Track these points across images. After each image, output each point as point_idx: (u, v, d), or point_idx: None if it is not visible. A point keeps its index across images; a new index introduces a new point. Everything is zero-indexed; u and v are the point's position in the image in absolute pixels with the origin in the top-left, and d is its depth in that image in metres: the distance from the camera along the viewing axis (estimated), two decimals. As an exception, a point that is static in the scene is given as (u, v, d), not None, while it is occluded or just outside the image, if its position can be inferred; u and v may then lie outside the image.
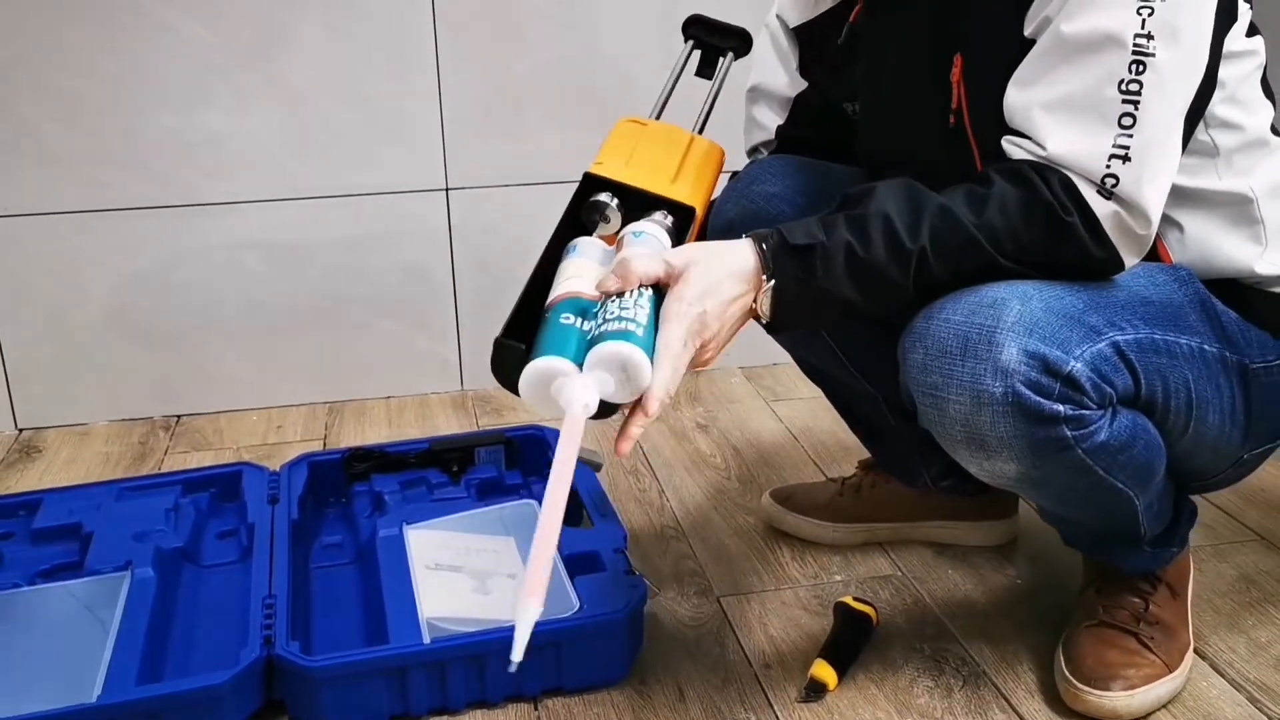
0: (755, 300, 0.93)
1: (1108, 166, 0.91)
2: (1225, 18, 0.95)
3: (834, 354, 1.24)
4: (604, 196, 0.99)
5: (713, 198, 1.07)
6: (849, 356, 1.23)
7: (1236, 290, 1.05)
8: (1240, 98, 1.01)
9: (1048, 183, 0.91)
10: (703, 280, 0.90)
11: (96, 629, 1.15)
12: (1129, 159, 0.90)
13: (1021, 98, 0.94)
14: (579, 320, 0.89)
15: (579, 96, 1.78)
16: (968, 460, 0.99)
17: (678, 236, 0.98)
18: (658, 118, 1.14)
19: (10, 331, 1.74)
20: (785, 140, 1.27)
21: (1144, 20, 0.89)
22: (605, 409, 0.89)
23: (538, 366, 0.86)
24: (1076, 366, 0.92)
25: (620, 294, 0.89)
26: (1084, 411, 0.94)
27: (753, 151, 1.31)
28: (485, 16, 1.74)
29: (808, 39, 1.21)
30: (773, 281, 0.93)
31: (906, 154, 1.10)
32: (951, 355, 0.93)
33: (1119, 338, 0.96)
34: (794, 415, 1.75)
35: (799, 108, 1.26)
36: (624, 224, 0.99)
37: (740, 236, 0.95)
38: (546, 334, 0.89)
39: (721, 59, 1.19)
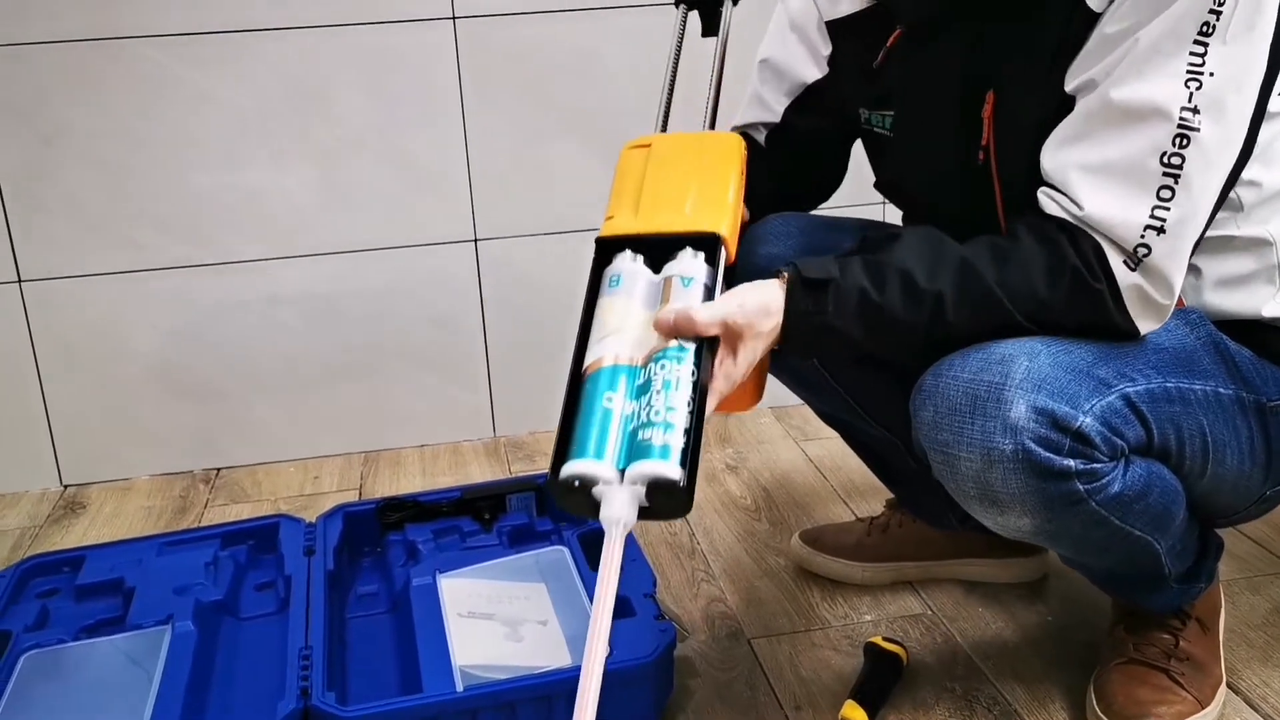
0: None
1: (1142, 236, 0.91)
2: (1269, 86, 0.95)
3: (848, 404, 1.25)
4: (624, 258, 0.93)
5: (740, 200, 1.00)
6: (863, 406, 1.24)
7: (1249, 329, 1.05)
8: (1268, 156, 1.01)
9: (1077, 247, 0.92)
10: (750, 354, 0.91)
11: (139, 682, 1.17)
12: (1164, 231, 0.90)
13: (1061, 156, 0.94)
14: (620, 400, 0.84)
15: (602, 144, 1.82)
16: (982, 515, 1.00)
17: (712, 261, 0.92)
18: (668, 103, 1.10)
19: (56, 390, 1.79)
20: (788, 128, 1.23)
21: (1191, 94, 0.89)
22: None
23: (577, 469, 0.81)
24: (1086, 421, 0.93)
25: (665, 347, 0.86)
26: (1095, 465, 0.94)
27: (749, 127, 1.26)
28: (508, 71, 1.78)
29: (841, 38, 1.18)
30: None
31: (929, 184, 1.11)
32: (961, 413, 0.94)
33: (1129, 389, 0.96)
34: (823, 455, 1.76)
35: (812, 95, 1.22)
36: (655, 267, 0.93)
37: None
38: (584, 422, 0.83)
39: (721, 9, 1.15)
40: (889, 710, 1.16)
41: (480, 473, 1.81)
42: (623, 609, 1.23)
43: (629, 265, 0.92)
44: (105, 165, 1.71)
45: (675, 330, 0.86)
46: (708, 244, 0.92)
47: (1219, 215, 1.00)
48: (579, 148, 1.83)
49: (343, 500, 1.71)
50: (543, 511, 1.50)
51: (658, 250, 0.93)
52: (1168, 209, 0.90)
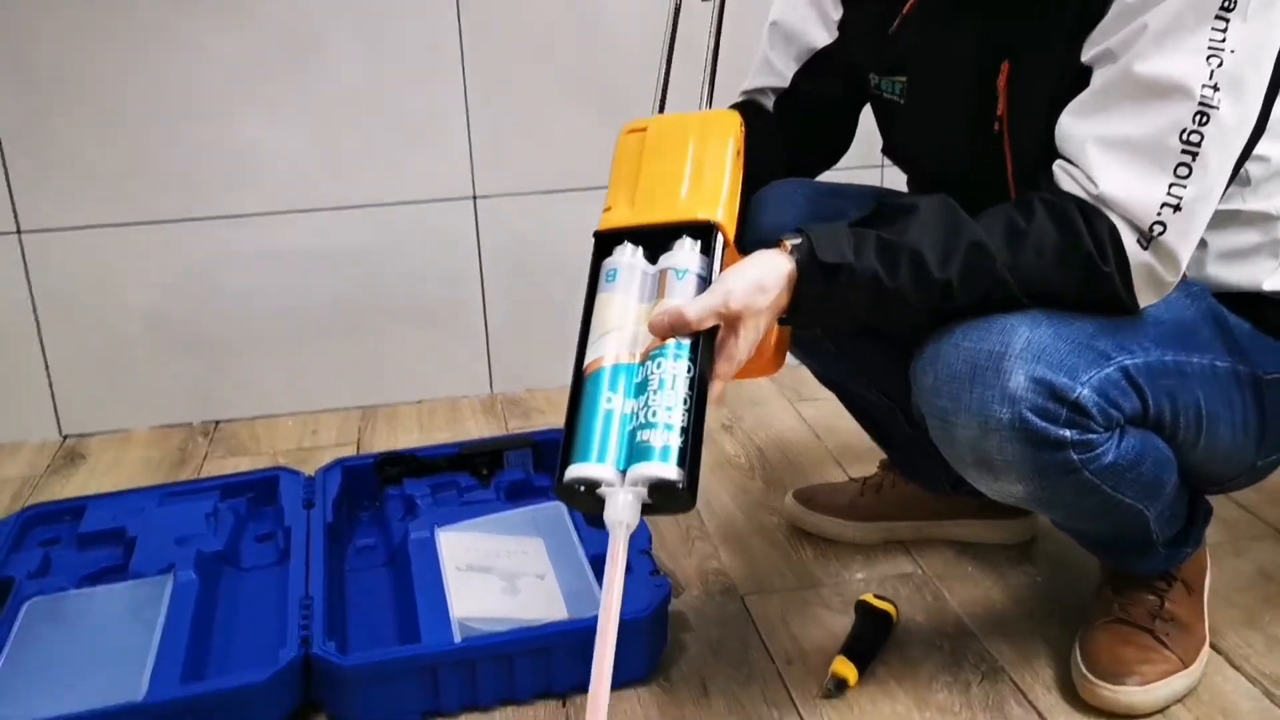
0: None
1: (1158, 214, 0.91)
2: None
3: (849, 370, 1.26)
4: (622, 251, 0.93)
5: (739, 181, 0.98)
6: (863, 372, 1.26)
7: (1249, 301, 1.06)
8: (1277, 131, 1.01)
9: (1093, 230, 0.92)
10: (752, 333, 0.90)
11: (141, 630, 1.19)
12: (1180, 209, 0.91)
13: (1079, 128, 0.94)
14: (620, 400, 0.85)
15: (602, 101, 1.81)
16: (977, 481, 1.01)
17: (708, 249, 0.92)
18: (665, 80, 1.08)
19: (54, 341, 1.79)
20: (797, 93, 1.22)
21: (1212, 71, 0.89)
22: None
23: (580, 473, 0.82)
24: (1083, 393, 0.94)
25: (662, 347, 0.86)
26: (1090, 436, 0.96)
27: (758, 92, 1.25)
28: (509, 27, 1.77)
29: (853, 2, 1.17)
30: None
31: (940, 152, 1.11)
32: (960, 380, 0.96)
33: (1128, 362, 0.97)
34: (818, 415, 1.78)
35: (821, 60, 1.21)
36: (655, 256, 0.93)
37: None
38: (585, 425, 0.84)
39: None
40: (878, 666, 1.18)
41: (477, 429, 1.82)
42: (618, 564, 1.25)
43: (626, 259, 0.92)
44: (104, 117, 1.71)
45: (670, 331, 0.86)
46: (702, 232, 0.92)
47: (1230, 188, 1.01)
48: (579, 105, 1.82)
49: (341, 454, 1.72)
50: (540, 467, 1.52)
51: (656, 240, 0.93)
52: (1184, 187, 0.90)
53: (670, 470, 0.81)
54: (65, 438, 1.84)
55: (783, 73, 1.22)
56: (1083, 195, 0.93)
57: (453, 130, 1.80)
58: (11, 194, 1.71)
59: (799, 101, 1.23)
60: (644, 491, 0.81)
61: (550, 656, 1.14)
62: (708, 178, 0.94)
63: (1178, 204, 0.91)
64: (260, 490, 1.47)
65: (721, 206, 0.93)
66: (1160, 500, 1.07)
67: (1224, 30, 0.89)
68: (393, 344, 1.89)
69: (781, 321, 0.96)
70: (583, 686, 1.14)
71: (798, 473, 1.62)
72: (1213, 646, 1.18)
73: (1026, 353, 0.94)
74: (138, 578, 1.28)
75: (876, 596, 1.25)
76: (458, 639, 1.14)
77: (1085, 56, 0.95)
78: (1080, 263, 0.93)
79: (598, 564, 1.25)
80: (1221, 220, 1.03)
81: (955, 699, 1.13)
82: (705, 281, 0.90)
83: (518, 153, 1.83)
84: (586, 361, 0.88)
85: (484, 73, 1.79)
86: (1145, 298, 0.96)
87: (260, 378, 1.87)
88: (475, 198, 1.84)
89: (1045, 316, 0.96)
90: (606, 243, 0.93)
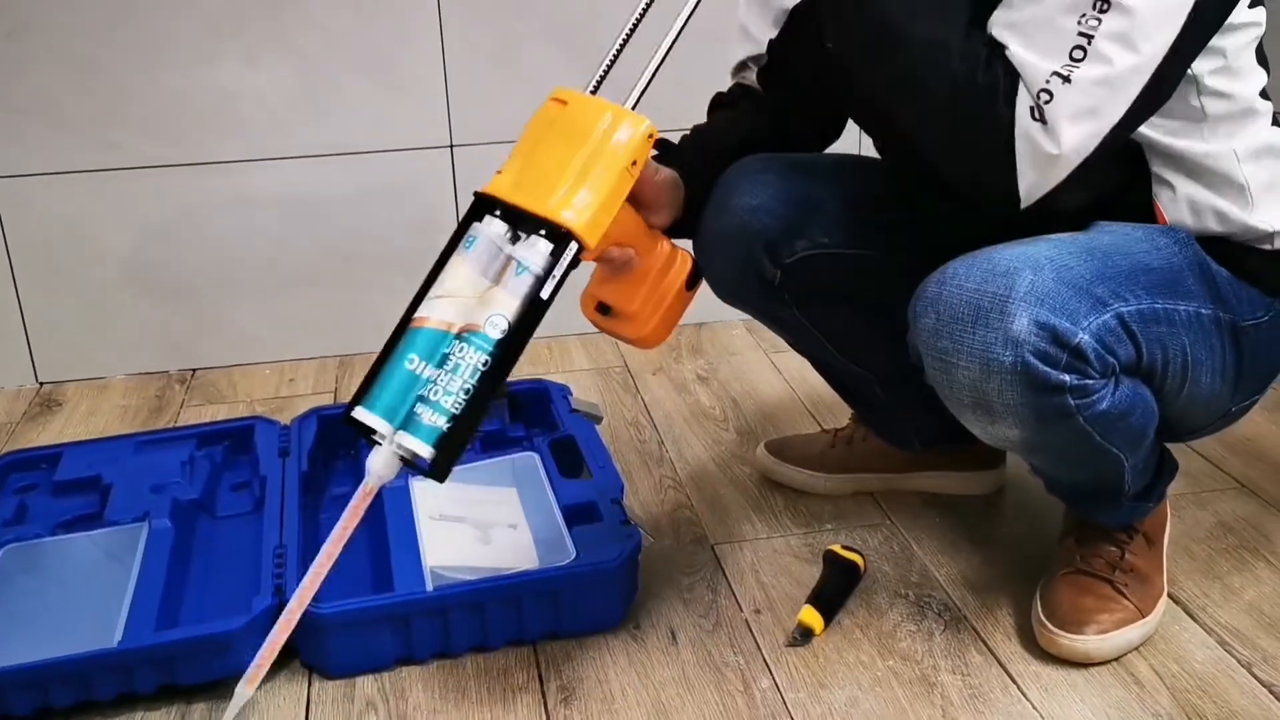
0: None
1: (1046, 82, 0.91)
2: None
3: (823, 345, 1.27)
4: (490, 222, 0.94)
5: (623, 193, 0.96)
6: (836, 345, 1.27)
7: (1227, 248, 1.07)
8: (1235, 67, 1.02)
9: (1006, 72, 0.92)
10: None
11: (117, 577, 1.20)
12: (1070, 81, 0.91)
13: (995, 16, 0.95)
14: (424, 366, 0.92)
15: (581, 50, 1.80)
16: (972, 423, 1.03)
17: (557, 254, 0.93)
18: (612, 61, 1.03)
19: (30, 289, 1.79)
20: (775, 57, 1.22)
21: None
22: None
23: (362, 417, 0.92)
24: (1084, 338, 0.95)
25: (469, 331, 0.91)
26: (1088, 381, 0.97)
27: (740, 68, 1.26)
28: (486, -27, 1.76)
29: None
30: None
31: None
32: (963, 322, 0.96)
33: (1123, 309, 0.98)
34: (792, 367, 1.79)
35: (796, 20, 1.20)
36: (516, 237, 0.94)
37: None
38: (385, 376, 0.93)
39: None
40: (844, 615, 1.21)
41: (455, 378, 1.82)
42: (590, 514, 1.27)
43: (489, 230, 0.94)
44: (77, 62, 1.69)
45: None
46: (557, 235, 0.92)
47: (1183, 125, 1.02)
48: (556, 53, 1.81)
49: (318, 403, 1.73)
50: (515, 418, 1.53)
51: (523, 223, 0.94)
52: (1076, 66, 0.91)
53: (425, 450, 0.91)
54: (41, 385, 1.84)
55: (758, 39, 1.22)
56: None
57: (430, 78, 1.79)
58: (-17, 140, 1.70)
59: (784, 73, 1.22)
60: (400, 455, 0.92)
61: (521, 605, 1.15)
62: (589, 183, 0.93)
63: (1068, 76, 0.91)
64: (236, 439, 1.48)
65: (588, 216, 0.93)
66: (1140, 450, 1.09)
67: None
68: (370, 293, 1.88)
69: (690, 283, 1.05)
70: (554, 633, 1.17)
71: (771, 424, 1.64)
72: (1171, 597, 1.21)
73: (1030, 296, 0.95)
74: (113, 525, 1.29)
75: (844, 547, 1.27)
76: (430, 587, 1.15)
77: None
78: (982, 76, 0.92)
79: (570, 514, 1.27)
80: (1182, 163, 1.04)
81: (918, 647, 1.16)
82: (540, 283, 0.92)
83: (495, 101, 1.82)
84: (416, 313, 0.94)
85: (461, 21, 1.77)
86: (1025, 173, 0.93)
87: (238, 326, 1.87)
88: (452, 146, 1.83)
89: (1047, 260, 0.96)
90: (482, 205, 0.95)
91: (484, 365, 0.91)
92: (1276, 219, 1.06)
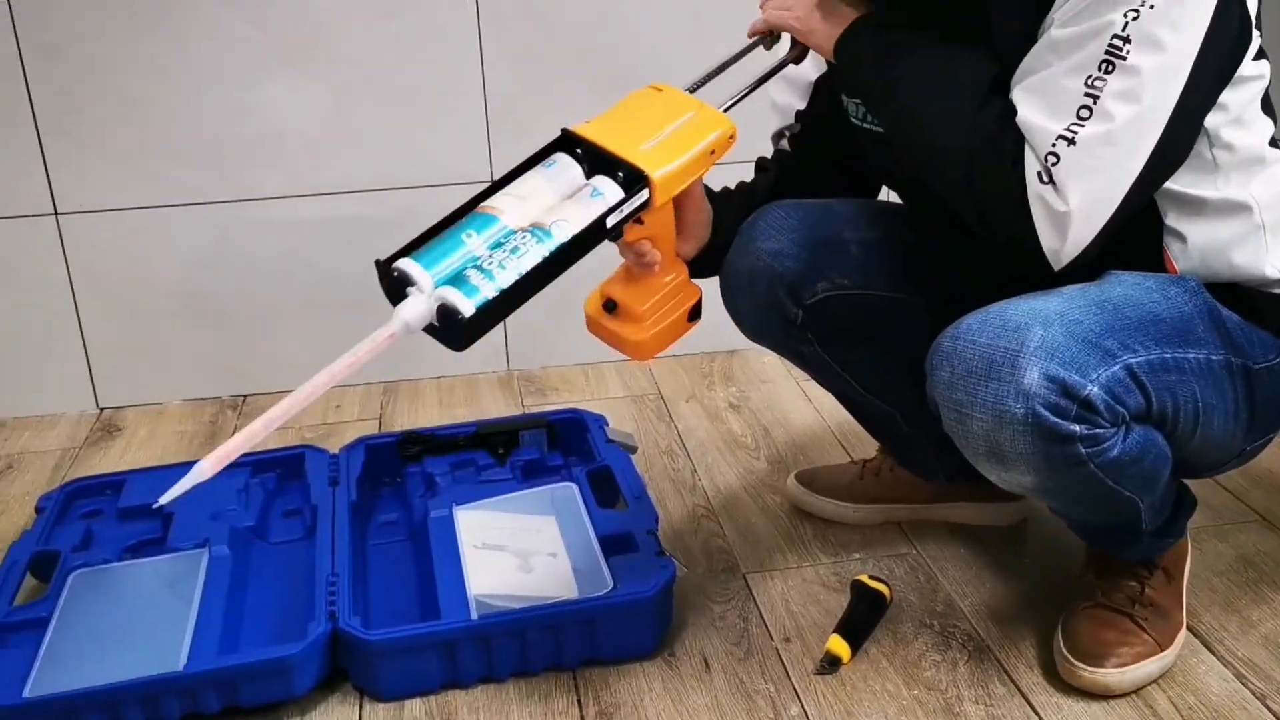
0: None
1: (1053, 145, 0.96)
2: (1235, 47, 0.99)
3: (846, 381, 1.32)
4: (570, 157, 1.03)
5: (704, 169, 1.06)
6: (859, 382, 1.32)
7: (1239, 292, 1.11)
8: (1244, 119, 1.06)
9: (1014, 138, 0.98)
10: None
11: (179, 602, 1.27)
12: (1074, 143, 0.95)
13: (1015, 78, 1.01)
14: (479, 244, 0.96)
15: (617, 85, 1.85)
16: (987, 470, 1.07)
17: (629, 191, 1.00)
18: (706, 79, 1.14)
19: (91, 317, 1.87)
20: (807, 124, 1.30)
21: (1126, 24, 0.94)
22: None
23: (406, 267, 0.95)
24: (1093, 390, 0.99)
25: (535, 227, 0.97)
26: (1098, 431, 1.01)
27: (778, 137, 1.34)
28: (526, 11, 1.82)
29: None
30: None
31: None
32: (976, 375, 1.01)
33: (1132, 360, 1.02)
34: (823, 396, 1.80)
35: (820, 90, 1.29)
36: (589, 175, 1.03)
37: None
38: (440, 241, 0.97)
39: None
40: (871, 644, 1.25)
41: (494, 404, 1.89)
42: (626, 545, 1.32)
43: (567, 159, 1.03)
44: (132, 101, 1.77)
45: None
46: (634, 178, 1.00)
47: (1196, 176, 1.05)
48: (596, 90, 1.86)
49: (363, 429, 1.80)
50: (553, 447, 1.59)
51: (601, 164, 1.02)
52: (1082, 126, 0.95)
53: (467, 306, 0.92)
54: (102, 410, 1.92)
55: (786, 109, 1.30)
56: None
57: (470, 115, 1.85)
58: (49, 177, 1.78)
59: (815, 139, 1.29)
60: (435, 306, 0.93)
61: (561, 633, 1.21)
62: (672, 148, 1.02)
63: (1073, 138, 0.95)
64: (288, 467, 1.55)
65: (665, 172, 1.01)
66: (1155, 492, 1.13)
67: (1146, 6, 0.93)
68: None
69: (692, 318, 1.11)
70: (592, 660, 1.23)
71: (801, 453, 1.68)
72: (1189, 629, 1.24)
73: (1040, 350, 0.99)
74: (175, 551, 1.36)
75: (871, 577, 1.31)
76: (475, 615, 1.21)
77: (1039, 35, 1.00)
78: (996, 158, 0.98)
79: (607, 544, 1.33)
80: (1195, 209, 1.07)
81: (943, 677, 1.20)
82: (610, 212, 0.99)
83: (534, 136, 1.86)
84: (487, 201, 1.00)
85: (502, 57, 1.83)
86: (1045, 233, 0.98)
87: (285, 353, 1.94)
88: (493, 181, 1.89)
89: (1057, 315, 1.01)
90: (566, 141, 1.04)
91: (542, 257, 0.95)
92: None
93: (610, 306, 1.14)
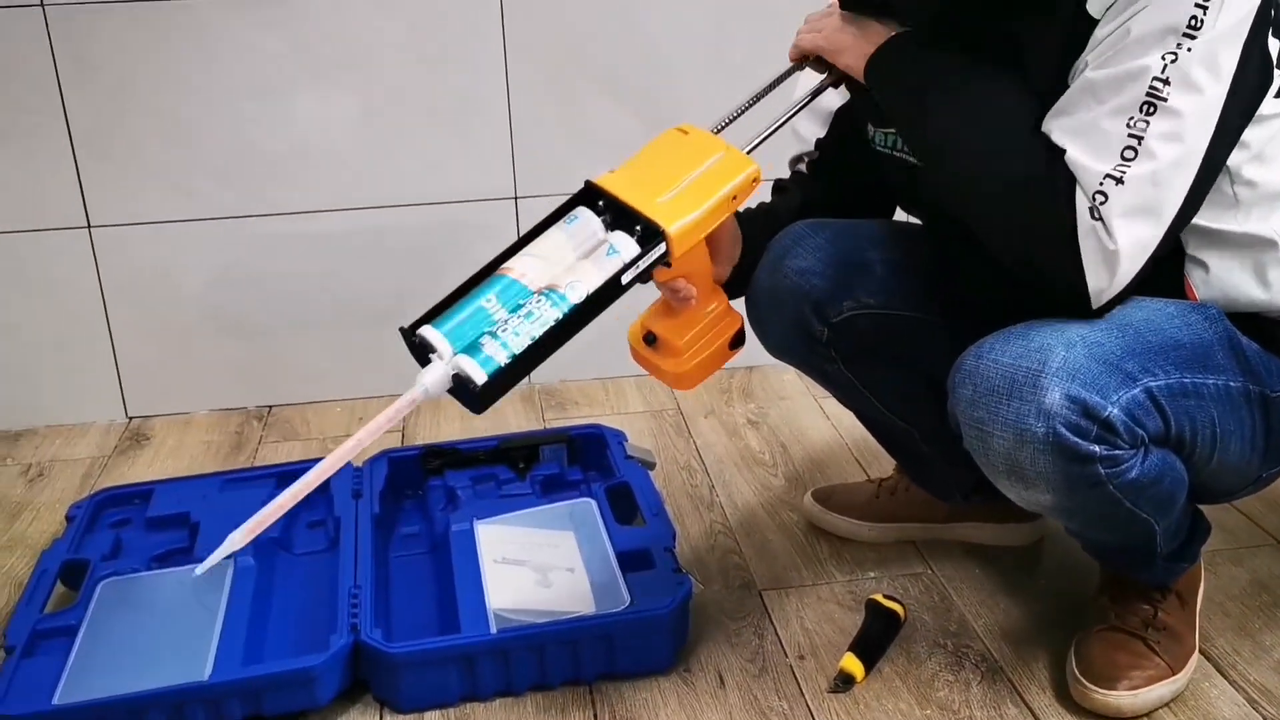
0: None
1: (1100, 184, 0.97)
2: (1258, 86, 1.00)
3: (867, 399, 1.33)
4: (591, 212, 1.05)
5: (726, 214, 1.07)
6: (880, 400, 1.33)
7: (1259, 322, 1.11)
8: (1266, 155, 1.06)
9: (1063, 174, 0.99)
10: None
11: (205, 612, 1.29)
12: (1122, 182, 0.97)
13: (1049, 123, 1.02)
14: (498, 308, 1.00)
15: (645, 107, 1.89)
16: (1006, 488, 1.08)
17: (645, 246, 1.02)
18: (728, 123, 1.15)
19: (121, 328, 1.90)
20: (826, 152, 1.32)
21: (1165, 66, 0.95)
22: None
23: (427, 335, 0.99)
24: (1113, 412, 1.01)
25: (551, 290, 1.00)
26: (1117, 452, 1.02)
27: (795, 161, 1.35)
28: (550, 32, 1.84)
29: None
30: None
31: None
32: (998, 394, 1.02)
33: (1152, 384, 1.03)
34: (841, 413, 1.82)
35: (841, 120, 1.31)
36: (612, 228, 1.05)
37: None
38: (459, 307, 1.01)
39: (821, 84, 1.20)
40: (885, 662, 1.26)
41: (515, 417, 1.91)
42: (643, 561, 1.34)
43: (588, 215, 1.04)
44: (165, 118, 1.80)
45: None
46: (651, 233, 1.02)
47: (1218, 211, 1.06)
48: (620, 109, 1.89)
49: (386, 441, 1.81)
50: (573, 462, 1.61)
51: (621, 217, 1.04)
52: (1129, 166, 0.97)
53: (480, 376, 0.97)
54: (131, 419, 1.95)
55: (806, 138, 1.31)
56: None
57: (495, 133, 1.88)
58: (83, 192, 1.82)
59: (833, 166, 1.31)
60: (451, 374, 0.98)
61: (578, 648, 1.23)
62: (692, 198, 1.04)
63: (1120, 177, 0.97)
64: (312, 479, 1.57)
65: (681, 225, 1.03)
66: (1170, 515, 1.14)
67: (1186, 46, 0.95)
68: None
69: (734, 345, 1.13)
70: (609, 675, 1.25)
71: (818, 470, 1.70)
72: (1202, 653, 1.25)
73: (1062, 371, 1.00)
74: (201, 561, 1.38)
75: (886, 596, 1.32)
76: (494, 630, 1.23)
77: (1071, 77, 1.02)
78: (1044, 176, 0.99)
79: (625, 560, 1.34)
80: (1217, 241, 1.08)
81: (955, 697, 1.21)
82: (625, 269, 1.01)
83: (558, 155, 1.90)
84: (508, 263, 1.03)
85: (527, 77, 1.86)
86: (1094, 271, 0.99)
87: (311, 365, 1.97)
88: (516, 198, 1.92)
89: (1079, 337, 1.02)
90: (590, 193, 1.06)
91: (554, 321, 0.99)
92: None
93: (650, 339, 1.16)
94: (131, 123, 1.80)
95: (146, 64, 1.77)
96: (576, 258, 1.03)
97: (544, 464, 1.59)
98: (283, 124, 1.83)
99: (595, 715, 1.21)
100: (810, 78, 1.19)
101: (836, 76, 1.15)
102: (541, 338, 0.98)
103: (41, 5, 1.72)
